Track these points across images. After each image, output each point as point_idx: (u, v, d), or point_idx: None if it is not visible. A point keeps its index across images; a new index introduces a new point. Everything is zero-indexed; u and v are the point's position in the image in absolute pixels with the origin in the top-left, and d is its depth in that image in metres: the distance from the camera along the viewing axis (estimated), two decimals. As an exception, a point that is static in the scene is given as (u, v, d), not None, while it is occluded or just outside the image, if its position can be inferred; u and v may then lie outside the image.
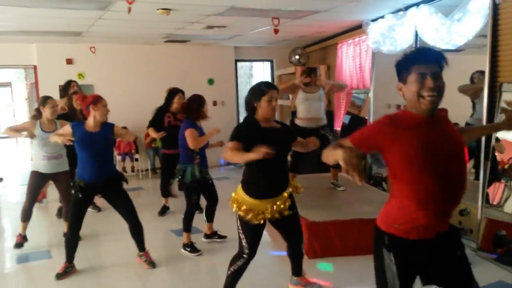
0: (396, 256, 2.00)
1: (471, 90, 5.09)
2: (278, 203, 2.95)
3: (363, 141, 2.00)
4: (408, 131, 1.89)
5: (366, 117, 7.00)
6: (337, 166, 5.18)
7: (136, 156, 8.38)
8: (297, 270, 3.41)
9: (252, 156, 2.64)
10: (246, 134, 2.87)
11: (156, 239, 4.94)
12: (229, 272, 3.10)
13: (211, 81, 9.22)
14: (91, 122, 3.72)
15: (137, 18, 5.88)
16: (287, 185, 3.04)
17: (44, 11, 5.31)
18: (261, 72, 11.99)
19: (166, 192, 5.94)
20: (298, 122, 5.32)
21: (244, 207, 2.92)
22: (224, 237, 4.69)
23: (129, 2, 4.14)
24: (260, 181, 2.94)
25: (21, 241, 4.70)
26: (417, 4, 5.15)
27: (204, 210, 4.69)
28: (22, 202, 4.69)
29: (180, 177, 4.27)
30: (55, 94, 7.68)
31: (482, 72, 4.49)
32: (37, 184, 4.57)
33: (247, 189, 2.96)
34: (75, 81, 6.19)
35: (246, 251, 2.99)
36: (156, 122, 5.51)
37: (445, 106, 2.06)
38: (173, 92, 5.59)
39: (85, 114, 3.80)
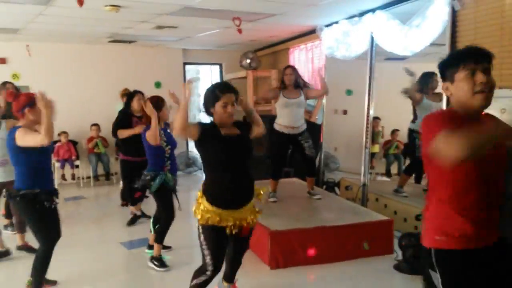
0: None
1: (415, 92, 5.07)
2: (243, 215, 2.76)
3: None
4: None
5: (319, 123, 6.99)
6: (312, 175, 5.07)
7: (77, 162, 7.84)
8: (231, 277, 3.19)
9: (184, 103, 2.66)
10: (205, 131, 2.69)
11: (106, 254, 4.56)
12: (191, 285, 2.85)
13: (158, 84, 8.84)
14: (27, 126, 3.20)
15: (82, 15, 5.47)
16: (252, 195, 2.83)
17: (-26, 4, 4.80)
18: (208, 76, 11.79)
19: (133, 199, 5.37)
20: (277, 127, 4.97)
21: (207, 216, 2.69)
22: (168, 247, 4.40)
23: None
24: (222, 188, 2.72)
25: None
26: (373, 10, 5.18)
27: (152, 218, 4.29)
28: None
29: (147, 184, 3.89)
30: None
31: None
32: None
33: (210, 198, 2.72)
34: (10, 83, 5.62)
35: (210, 267, 2.75)
36: (121, 125, 5.05)
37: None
38: (131, 94, 5.28)
39: (17, 116, 3.27)
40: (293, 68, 5.00)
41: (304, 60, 7.30)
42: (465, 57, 1.84)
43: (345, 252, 4.02)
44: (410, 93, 4.99)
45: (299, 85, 4.91)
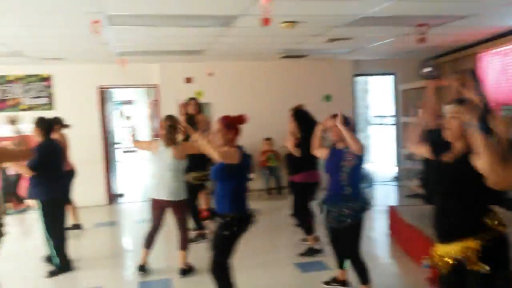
0: None
1: None
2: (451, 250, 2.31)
3: None
4: None
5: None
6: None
7: (251, 175, 8.13)
8: None
9: None
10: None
11: (279, 274, 4.49)
12: None
13: (327, 98, 8.71)
14: None
15: (259, 34, 5.61)
16: (461, 230, 2.30)
17: (167, 30, 5.27)
18: (378, 86, 11.22)
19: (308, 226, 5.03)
20: None
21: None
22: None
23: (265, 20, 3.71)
24: (434, 216, 2.46)
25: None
26: None
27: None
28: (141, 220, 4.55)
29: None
30: (175, 112, 7.76)
31: None
32: None
33: None
34: (194, 99, 6.14)
35: None
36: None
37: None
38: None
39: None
40: (471, 73, 4.15)
41: (498, 67, 6.30)
42: None
43: None
44: None
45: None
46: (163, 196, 4.40)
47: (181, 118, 5.69)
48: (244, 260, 3.65)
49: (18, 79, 7.65)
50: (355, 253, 3.59)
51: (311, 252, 4.90)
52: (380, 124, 11.43)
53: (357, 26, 5.33)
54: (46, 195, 4.53)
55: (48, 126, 4.68)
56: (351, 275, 3.84)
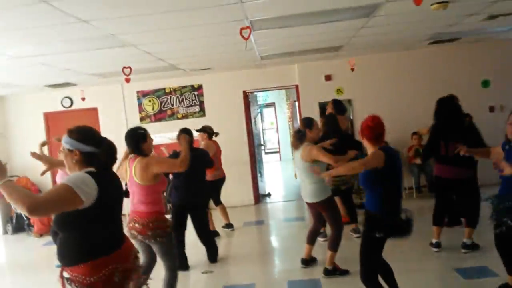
0: None
1: None
2: None
3: None
4: None
5: None
6: None
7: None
8: None
9: None
10: None
11: (438, 282, 4.09)
12: None
13: (485, 83, 7.78)
14: None
15: (405, 20, 5.23)
16: None
17: (305, 29, 5.20)
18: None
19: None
20: None
21: None
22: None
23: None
24: None
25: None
26: None
27: None
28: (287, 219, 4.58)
29: None
30: (315, 112, 7.70)
31: None
32: None
33: None
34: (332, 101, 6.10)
35: None
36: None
37: None
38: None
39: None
40: None
41: None
42: None
43: None
44: None
45: None
46: (305, 198, 4.46)
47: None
48: (399, 265, 3.38)
49: (173, 91, 8.38)
50: None
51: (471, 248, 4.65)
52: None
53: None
54: (174, 199, 5.07)
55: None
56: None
